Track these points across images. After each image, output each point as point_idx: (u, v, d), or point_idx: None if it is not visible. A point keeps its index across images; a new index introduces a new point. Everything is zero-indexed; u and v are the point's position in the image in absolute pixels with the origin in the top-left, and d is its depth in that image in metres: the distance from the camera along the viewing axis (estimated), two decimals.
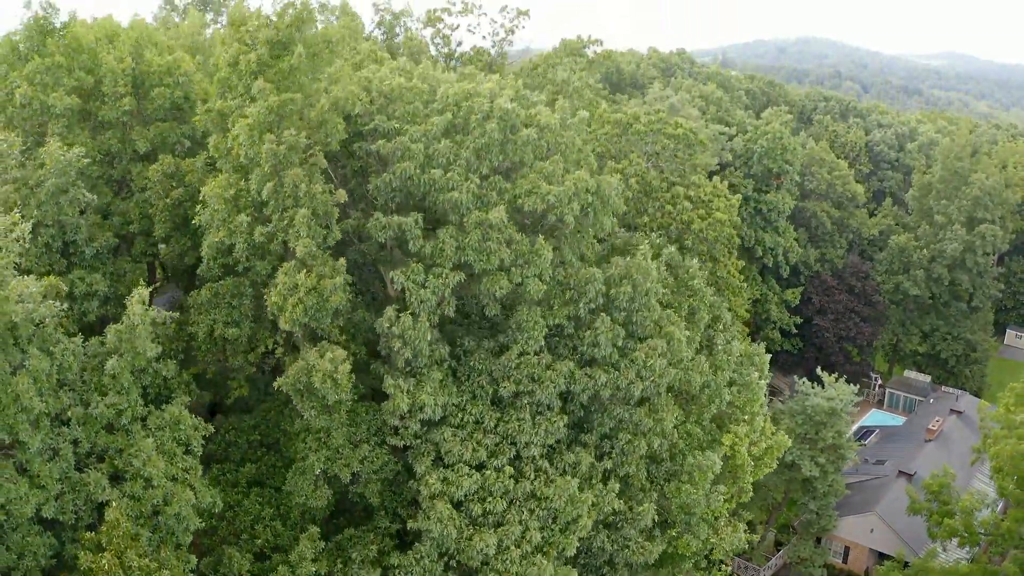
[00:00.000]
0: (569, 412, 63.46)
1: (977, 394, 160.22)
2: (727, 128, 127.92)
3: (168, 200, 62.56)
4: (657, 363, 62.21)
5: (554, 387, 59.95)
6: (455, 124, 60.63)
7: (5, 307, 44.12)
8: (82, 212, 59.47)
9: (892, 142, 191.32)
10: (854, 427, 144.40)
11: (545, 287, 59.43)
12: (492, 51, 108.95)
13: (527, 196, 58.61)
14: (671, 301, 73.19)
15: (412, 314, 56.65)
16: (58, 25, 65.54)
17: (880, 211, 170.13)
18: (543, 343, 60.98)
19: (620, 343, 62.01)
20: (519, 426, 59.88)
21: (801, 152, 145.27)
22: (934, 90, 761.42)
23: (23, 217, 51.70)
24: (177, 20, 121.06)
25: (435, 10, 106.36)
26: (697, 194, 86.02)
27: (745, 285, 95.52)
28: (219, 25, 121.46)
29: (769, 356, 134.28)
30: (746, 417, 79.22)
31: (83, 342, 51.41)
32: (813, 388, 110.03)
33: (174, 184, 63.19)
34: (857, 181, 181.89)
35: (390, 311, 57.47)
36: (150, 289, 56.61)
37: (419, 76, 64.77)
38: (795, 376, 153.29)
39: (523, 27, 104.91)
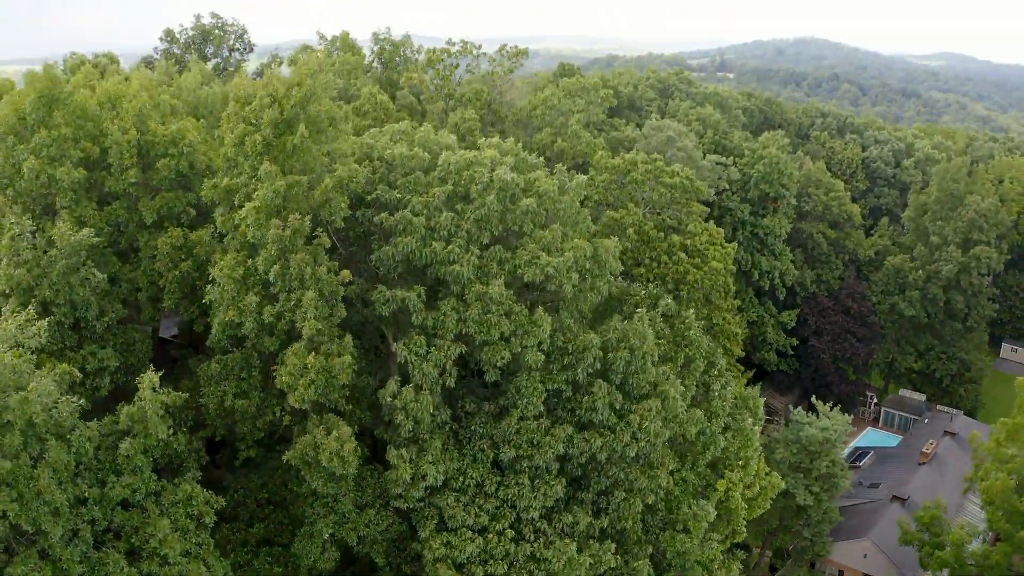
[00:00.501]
0: (567, 472, 65.14)
1: (972, 413, 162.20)
2: (724, 159, 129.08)
3: (177, 272, 64.19)
4: (652, 425, 63.86)
5: (553, 452, 61.65)
6: (456, 192, 62.23)
7: (26, 408, 45.96)
8: (93, 290, 60.98)
9: (889, 159, 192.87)
10: (849, 447, 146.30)
11: (544, 357, 61.11)
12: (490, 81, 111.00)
13: (527, 267, 60.25)
14: (668, 351, 74.99)
15: (415, 387, 58.42)
16: (64, 88, 66.74)
17: (876, 230, 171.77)
18: (542, 408, 62.65)
19: (617, 406, 63.70)
20: (519, 491, 61.61)
21: (797, 176, 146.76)
22: (932, 91, 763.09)
23: (35, 297, 53.57)
24: (177, 51, 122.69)
25: (435, 50, 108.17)
26: (693, 243, 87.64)
27: (740, 332, 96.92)
28: (219, 59, 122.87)
29: (766, 376, 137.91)
30: (740, 462, 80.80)
31: (97, 423, 52.99)
32: (808, 417, 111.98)
33: (182, 256, 64.79)
34: (854, 198, 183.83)
35: (392, 384, 59.33)
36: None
37: (420, 142, 66.39)
38: (790, 403, 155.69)
39: (522, 65, 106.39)
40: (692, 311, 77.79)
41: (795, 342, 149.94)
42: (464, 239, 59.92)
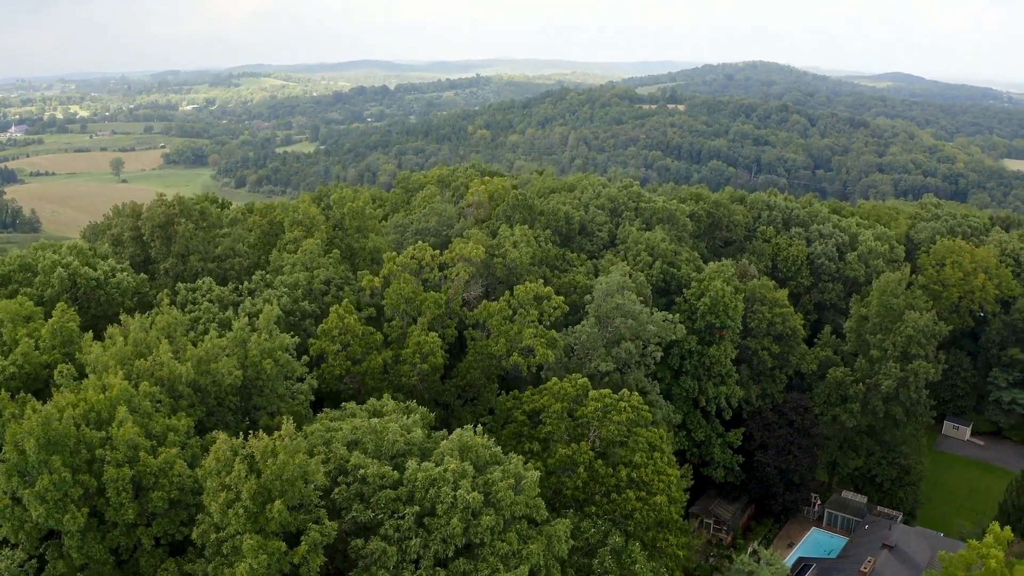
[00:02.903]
0: None
1: (912, 513, 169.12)
2: (671, 315, 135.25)
3: None
4: None
5: None
6: (424, 508, 68.21)
7: None
8: None
9: (832, 254, 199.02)
10: (793, 556, 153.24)
11: None
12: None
13: None
14: None
15: None
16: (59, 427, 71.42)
17: (819, 340, 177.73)
18: None
19: None
20: None
21: (742, 307, 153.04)
22: (880, 118, 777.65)
23: None
24: (146, 228, 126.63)
25: (394, 257, 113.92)
26: (639, 475, 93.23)
27: (684, 552, 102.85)
28: (185, 239, 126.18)
29: (714, 486, 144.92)
30: None
31: None
32: (750, 563, 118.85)
33: None
34: (798, 295, 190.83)
35: None
36: None
37: (389, 445, 72.32)
38: (738, 510, 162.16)
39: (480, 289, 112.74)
40: (638, 544, 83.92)
41: (741, 459, 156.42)
42: (431, 560, 65.88)
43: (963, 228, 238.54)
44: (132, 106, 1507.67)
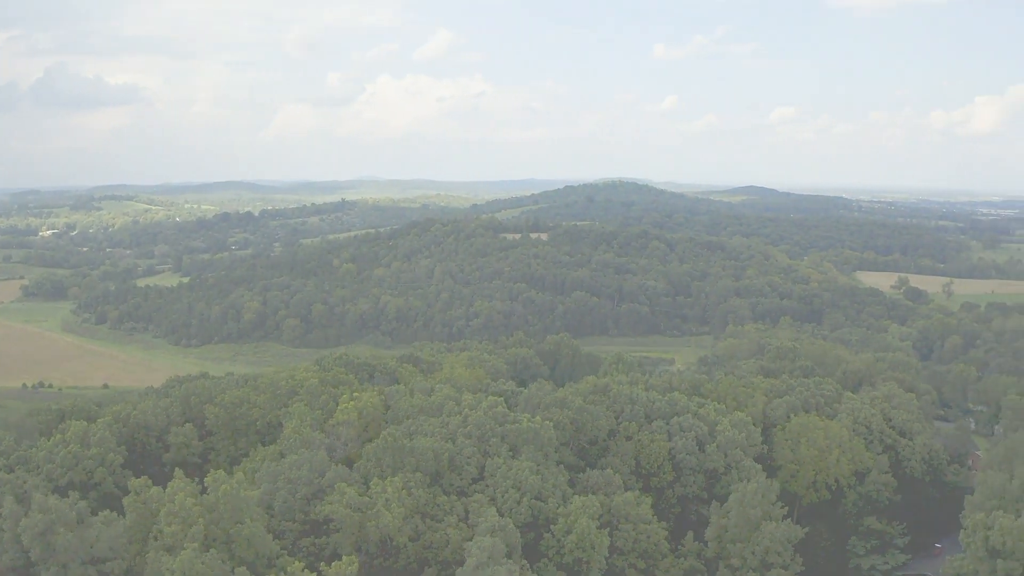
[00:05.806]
0: None
1: None
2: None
3: None
4: None
5: None
6: None
7: None
8: None
9: (693, 448, 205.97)
10: None
11: None
12: None
13: None
14: None
15: None
16: None
17: (682, 548, 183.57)
18: None
19: None
20: None
21: (607, 542, 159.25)
22: (736, 237, 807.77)
23: None
24: None
25: None
26: None
27: None
28: None
29: None
30: None
31: None
32: None
33: None
34: (661, 489, 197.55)
35: None
36: None
37: None
38: None
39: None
40: None
41: None
42: None
43: (816, 399, 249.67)
44: None
